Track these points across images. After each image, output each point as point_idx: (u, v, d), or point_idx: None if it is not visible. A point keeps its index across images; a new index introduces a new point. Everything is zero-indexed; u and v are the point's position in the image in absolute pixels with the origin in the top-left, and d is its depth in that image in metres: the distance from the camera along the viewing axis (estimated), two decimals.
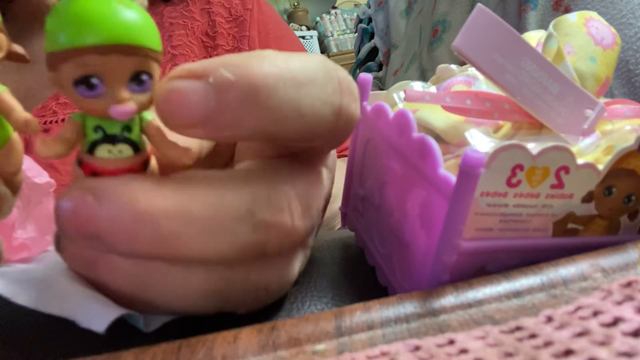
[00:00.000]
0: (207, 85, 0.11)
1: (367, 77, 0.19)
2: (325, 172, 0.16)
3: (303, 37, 2.32)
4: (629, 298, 0.11)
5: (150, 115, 0.13)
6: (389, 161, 0.17)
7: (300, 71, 0.13)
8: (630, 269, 0.13)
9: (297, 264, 0.16)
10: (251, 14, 0.47)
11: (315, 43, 2.38)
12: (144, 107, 0.12)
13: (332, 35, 2.38)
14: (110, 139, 0.12)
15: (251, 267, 0.14)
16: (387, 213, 0.17)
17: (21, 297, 0.13)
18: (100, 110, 0.12)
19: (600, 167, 0.14)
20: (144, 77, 0.12)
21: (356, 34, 0.85)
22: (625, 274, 0.13)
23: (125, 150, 0.12)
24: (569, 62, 0.18)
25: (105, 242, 0.12)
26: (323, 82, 0.13)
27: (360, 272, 0.19)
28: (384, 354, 0.11)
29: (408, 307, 0.13)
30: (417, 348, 0.11)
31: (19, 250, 0.16)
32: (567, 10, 0.42)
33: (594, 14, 0.19)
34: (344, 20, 2.44)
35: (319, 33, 2.42)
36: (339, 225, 0.36)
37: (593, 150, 0.17)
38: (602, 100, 0.19)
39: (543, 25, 0.44)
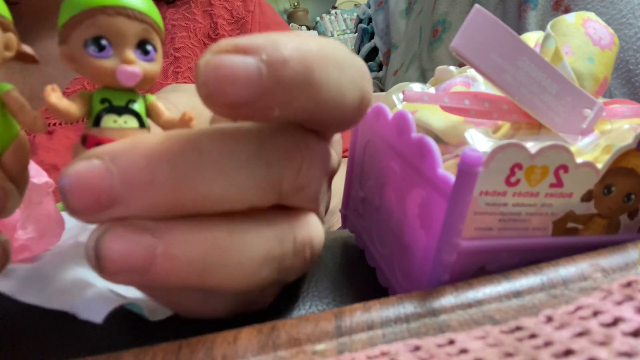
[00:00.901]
0: (260, 62, 0.11)
1: None
2: (331, 150, 0.16)
3: None
4: (629, 298, 0.11)
5: (153, 97, 0.13)
6: (389, 162, 0.17)
7: (338, 53, 0.13)
8: (630, 269, 0.13)
9: (320, 224, 0.16)
10: (252, 15, 0.47)
11: None
12: (149, 78, 0.13)
13: (332, 35, 2.37)
14: (116, 110, 0.13)
15: (294, 226, 0.14)
16: (387, 214, 0.17)
17: (25, 295, 0.13)
18: (109, 71, 0.12)
19: (599, 166, 0.14)
20: (149, 47, 0.13)
21: (356, 34, 0.85)
22: (625, 274, 0.13)
23: (130, 121, 0.13)
24: (567, 62, 0.18)
25: (124, 204, 0.11)
26: (352, 65, 0.13)
27: (361, 273, 0.19)
28: (384, 354, 0.11)
29: (408, 307, 0.13)
30: (417, 348, 0.11)
31: (20, 251, 0.16)
32: (567, 10, 0.42)
33: (591, 15, 0.19)
34: (344, 20, 2.44)
35: (319, 33, 2.42)
36: (338, 224, 0.36)
37: (592, 150, 0.17)
38: (601, 100, 0.19)
39: (543, 26, 0.44)
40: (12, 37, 0.13)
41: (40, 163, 0.34)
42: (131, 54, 0.12)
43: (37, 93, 0.39)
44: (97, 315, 0.12)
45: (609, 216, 0.15)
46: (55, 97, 0.12)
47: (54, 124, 0.38)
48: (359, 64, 0.14)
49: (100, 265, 0.11)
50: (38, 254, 0.17)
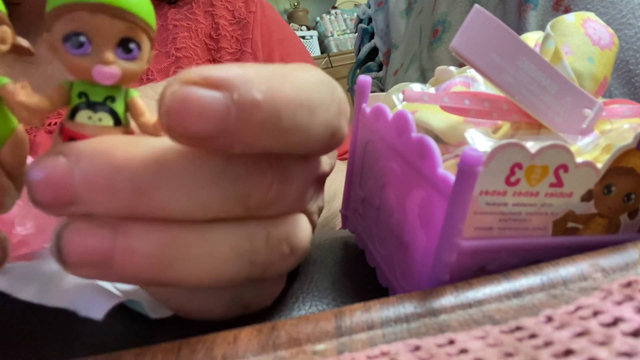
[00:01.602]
0: (230, 100, 0.11)
1: (366, 79, 0.19)
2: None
3: (303, 37, 2.32)
4: (629, 298, 0.11)
5: (136, 92, 0.13)
6: (389, 162, 0.17)
7: (314, 94, 0.12)
8: (630, 269, 0.13)
9: (306, 225, 0.15)
10: (254, 16, 0.47)
11: (315, 43, 2.38)
12: (129, 76, 0.12)
13: (332, 35, 2.38)
14: (92, 106, 0.12)
15: (268, 224, 0.13)
16: (387, 214, 0.17)
17: (23, 293, 0.13)
18: (85, 69, 0.12)
19: (599, 165, 0.14)
20: (132, 45, 0.12)
21: (356, 34, 0.85)
22: (625, 274, 0.13)
23: (105, 119, 0.12)
24: (566, 62, 0.18)
25: (83, 203, 0.11)
26: (329, 104, 0.13)
27: (361, 273, 0.19)
28: (384, 354, 0.11)
29: (408, 307, 0.13)
30: (417, 348, 0.11)
31: (19, 247, 0.16)
32: (567, 10, 0.42)
33: (591, 15, 0.19)
34: (344, 20, 2.44)
35: (319, 33, 2.42)
36: (340, 225, 0.36)
37: (592, 149, 0.17)
38: (601, 100, 0.19)
39: (543, 26, 0.44)
40: (6, 30, 0.12)
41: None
42: (109, 54, 0.12)
43: (38, 92, 0.39)
44: (97, 312, 0.12)
45: (609, 216, 0.15)
46: (24, 94, 0.12)
47: (55, 123, 0.38)
48: (337, 99, 0.14)
49: (61, 258, 0.11)
50: (37, 250, 0.17)
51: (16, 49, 0.13)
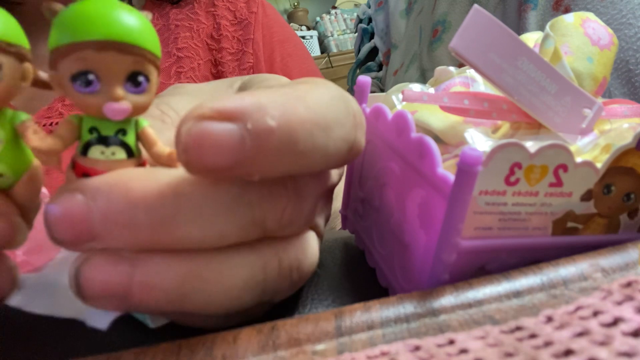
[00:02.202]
0: (244, 130, 0.11)
1: (365, 79, 0.19)
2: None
3: (303, 37, 2.32)
4: (629, 298, 0.11)
5: (146, 122, 0.13)
6: (388, 162, 0.17)
7: (328, 112, 0.12)
8: (630, 269, 0.13)
9: (314, 244, 0.16)
10: (256, 17, 0.47)
11: (315, 43, 2.38)
12: (139, 109, 0.12)
13: (332, 35, 2.37)
14: (104, 141, 0.12)
15: (280, 250, 0.13)
16: (386, 214, 0.17)
17: (33, 306, 0.13)
18: (95, 107, 0.12)
19: (599, 165, 0.14)
20: (141, 78, 0.12)
21: (356, 34, 0.85)
22: (625, 274, 0.13)
23: (118, 152, 0.12)
24: (566, 62, 0.18)
25: (103, 239, 0.11)
26: (344, 120, 0.13)
27: (361, 273, 0.19)
28: (384, 354, 0.11)
29: (408, 307, 0.13)
30: (417, 348, 0.11)
31: (22, 266, 0.16)
32: (567, 10, 0.42)
33: (590, 15, 0.19)
34: (344, 20, 2.44)
35: (319, 33, 2.42)
36: (340, 226, 0.36)
37: (591, 149, 0.17)
38: (600, 100, 0.19)
39: (543, 26, 0.44)
40: (29, 67, 0.12)
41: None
42: (120, 90, 0.12)
43: (39, 93, 0.39)
44: (102, 322, 0.12)
45: (609, 216, 0.15)
46: (36, 139, 0.12)
47: (56, 123, 0.38)
48: (352, 112, 0.14)
49: (80, 292, 0.12)
50: (41, 266, 0.17)
51: (36, 83, 0.13)
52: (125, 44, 0.11)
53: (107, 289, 0.12)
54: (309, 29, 2.44)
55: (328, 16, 2.45)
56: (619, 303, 0.11)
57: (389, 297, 0.13)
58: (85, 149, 0.12)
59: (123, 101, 0.12)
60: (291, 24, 2.39)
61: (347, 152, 0.13)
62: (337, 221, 0.38)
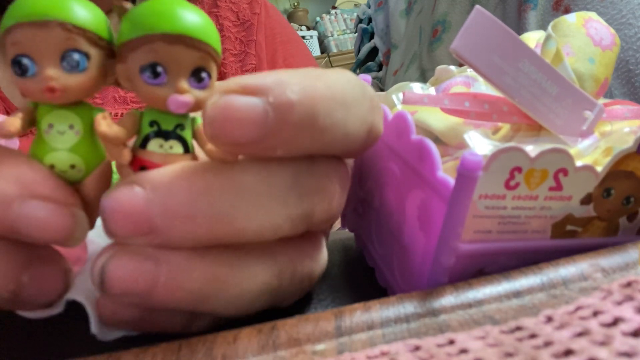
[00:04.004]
0: (267, 104, 0.11)
1: (365, 78, 0.19)
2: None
3: (303, 37, 2.32)
4: (629, 298, 0.11)
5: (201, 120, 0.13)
6: (388, 163, 0.17)
7: (347, 91, 0.13)
8: (630, 269, 0.13)
9: (325, 250, 0.16)
10: (259, 18, 0.47)
11: (315, 43, 2.37)
12: (199, 105, 0.12)
13: (332, 35, 2.37)
14: (163, 134, 0.13)
15: (294, 258, 0.14)
16: (386, 215, 0.17)
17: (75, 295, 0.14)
18: (161, 98, 0.12)
19: (599, 169, 0.14)
20: (204, 74, 0.12)
21: (356, 34, 0.85)
22: (625, 274, 0.13)
23: (176, 147, 0.13)
24: (567, 63, 0.18)
25: (161, 233, 0.11)
26: (362, 101, 0.13)
27: (360, 273, 0.19)
28: (384, 354, 0.11)
29: (408, 307, 0.13)
30: (417, 348, 0.11)
31: (75, 263, 0.16)
32: (567, 11, 0.42)
33: (592, 15, 0.19)
34: (344, 20, 2.44)
35: (319, 33, 2.42)
36: (339, 225, 0.36)
37: (592, 152, 0.17)
38: (601, 101, 0.19)
39: (543, 26, 0.44)
40: (114, 64, 0.12)
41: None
42: (185, 83, 0.12)
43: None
44: (107, 336, 0.13)
45: (608, 219, 0.15)
46: (104, 125, 0.12)
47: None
48: (369, 96, 0.14)
49: (104, 288, 0.12)
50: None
51: (117, 83, 0.13)
52: (194, 39, 0.12)
53: (131, 287, 0.12)
54: (309, 29, 2.44)
55: (328, 16, 2.45)
56: (619, 303, 0.11)
57: (389, 297, 0.13)
58: (144, 142, 0.12)
59: (187, 94, 0.12)
60: (291, 24, 2.39)
61: (366, 134, 0.14)
62: (338, 221, 0.38)
